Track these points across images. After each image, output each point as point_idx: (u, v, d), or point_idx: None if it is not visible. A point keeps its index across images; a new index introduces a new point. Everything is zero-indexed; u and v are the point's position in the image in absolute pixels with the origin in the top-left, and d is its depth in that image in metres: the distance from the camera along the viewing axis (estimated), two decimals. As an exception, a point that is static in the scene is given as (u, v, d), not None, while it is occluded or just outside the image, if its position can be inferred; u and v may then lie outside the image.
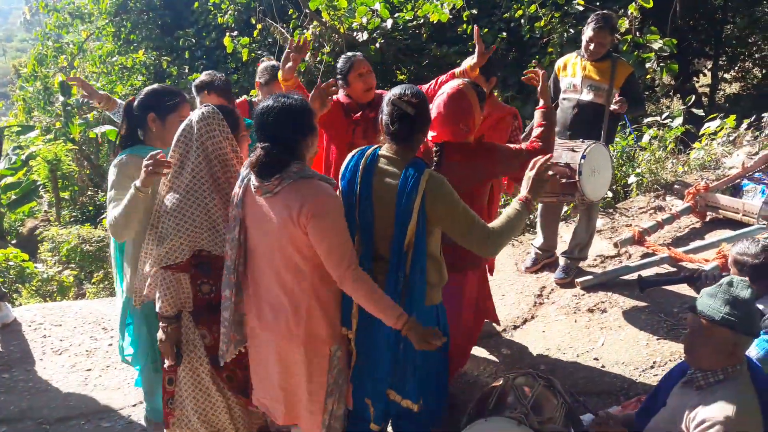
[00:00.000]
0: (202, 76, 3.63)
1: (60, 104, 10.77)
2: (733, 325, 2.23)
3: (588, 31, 4.13)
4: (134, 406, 3.61)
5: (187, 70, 9.92)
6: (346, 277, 2.25)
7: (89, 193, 11.17)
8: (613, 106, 4.06)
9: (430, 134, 2.88)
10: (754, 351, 2.70)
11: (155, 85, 2.97)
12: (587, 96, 4.19)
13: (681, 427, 2.34)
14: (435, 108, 2.84)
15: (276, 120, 2.26)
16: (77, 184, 10.81)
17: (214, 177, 2.51)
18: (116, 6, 10.50)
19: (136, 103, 2.85)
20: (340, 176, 2.54)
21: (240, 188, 2.40)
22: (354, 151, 2.58)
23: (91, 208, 10.69)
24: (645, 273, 4.39)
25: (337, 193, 2.44)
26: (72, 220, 10.00)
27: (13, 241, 9.71)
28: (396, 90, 2.50)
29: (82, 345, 4.25)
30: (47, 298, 6.10)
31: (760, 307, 2.76)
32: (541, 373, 2.98)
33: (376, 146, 2.53)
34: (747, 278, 2.84)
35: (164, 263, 2.48)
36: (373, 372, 2.58)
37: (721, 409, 2.23)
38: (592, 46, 4.11)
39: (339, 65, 3.57)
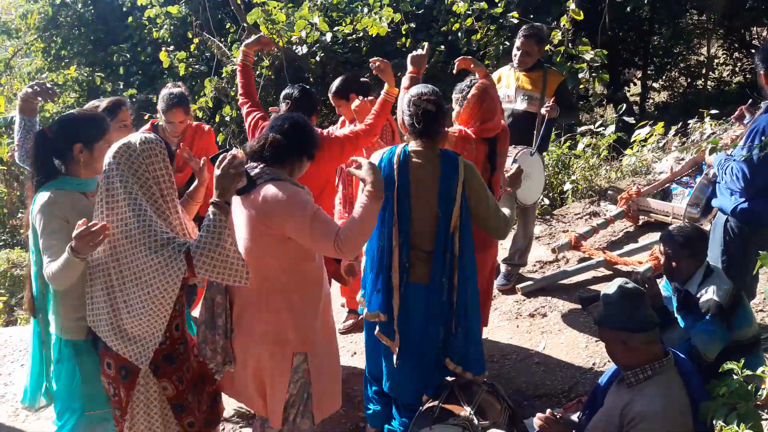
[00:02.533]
0: (174, 91, 3.76)
1: (-15, 123, 10.27)
2: (605, 322, 2.40)
3: (516, 42, 4.26)
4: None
5: (122, 86, 9.62)
6: (339, 243, 2.30)
7: (20, 215, 10.69)
8: (543, 110, 4.17)
9: (457, 128, 3.24)
10: (696, 339, 2.78)
11: (73, 113, 2.73)
12: (521, 105, 4.30)
13: (616, 424, 2.40)
14: (476, 107, 3.18)
15: (290, 128, 2.47)
16: (6, 206, 10.31)
17: (152, 201, 2.35)
18: (45, 21, 10.11)
19: (54, 133, 2.52)
20: None
21: None
22: (381, 152, 2.80)
23: (22, 231, 10.22)
24: (581, 277, 4.52)
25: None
26: (1, 244, 9.54)
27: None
28: (414, 91, 2.78)
29: (12, 374, 4.04)
30: (-26, 327, 5.77)
31: (706, 292, 2.84)
32: (484, 380, 3.01)
33: (403, 145, 2.76)
34: (671, 267, 2.95)
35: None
36: (421, 348, 2.80)
37: (649, 404, 2.32)
38: (518, 55, 4.23)
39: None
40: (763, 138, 2.87)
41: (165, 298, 2.29)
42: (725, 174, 3.11)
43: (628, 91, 12.94)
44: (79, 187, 2.54)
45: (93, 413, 2.61)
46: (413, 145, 2.76)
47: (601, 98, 10.60)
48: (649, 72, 12.28)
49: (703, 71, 11.83)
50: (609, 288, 2.43)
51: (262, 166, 2.44)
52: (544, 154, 4.52)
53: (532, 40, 4.22)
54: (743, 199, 3.15)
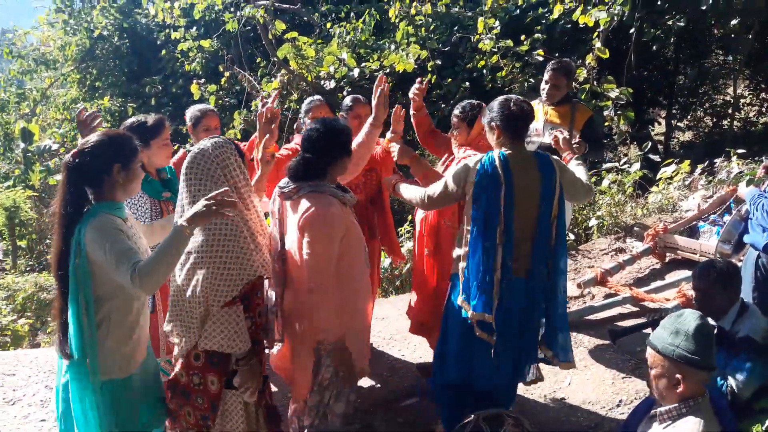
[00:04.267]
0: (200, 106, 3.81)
1: (20, 151, 10.57)
2: (674, 355, 2.24)
3: (545, 75, 4.30)
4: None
5: (154, 117, 9.91)
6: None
7: (48, 241, 10.89)
8: (573, 147, 4.18)
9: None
10: None
11: (108, 133, 2.54)
12: (549, 139, 4.30)
13: (647, 461, 2.34)
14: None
15: (317, 138, 2.64)
16: (35, 232, 10.52)
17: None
18: (83, 53, 10.47)
19: (90, 156, 2.38)
20: (477, 187, 2.87)
21: (276, 198, 2.80)
22: (477, 160, 2.91)
23: (49, 256, 10.38)
24: (607, 313, 4.45)
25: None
26: (28, 269, 9.70)
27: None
28: (504, 98, 3.00)
29: (36, 395, 4.07)
30: (0, 348, 5.85)
31: (742, 329, 2.79)
32: (510, 413, 2.97)
33: (497, 151, 2.91)
34: (706, 303, 2.90)
35: (223, 301, 2.40)
36: (519, 340, 2.97)
37: (683, 443, 2.25)
38: (547, 88, 4.26)
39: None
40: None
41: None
42: (756, 210, 3.09)
43: (653, 130, 12.94)
44: (117, 213, 2.43)
45: None
46: (506, 149, 2.93)
47: (625, 137, 10.61)
48: (674, 111, 12.29)
49: (729, 111, 11.79)
50: (684, 319, 2.29)
51: (295, 182, 2.66)
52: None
53: (560, 73, 4.25)
54: (775, 236, 3.11)
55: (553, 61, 4.31)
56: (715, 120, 12.41)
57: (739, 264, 3.53)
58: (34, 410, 3.92)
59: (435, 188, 3.04)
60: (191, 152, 2.51)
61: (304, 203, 2.58)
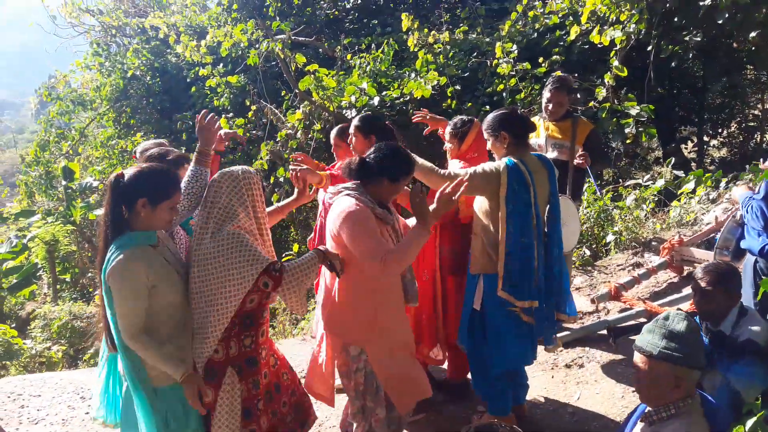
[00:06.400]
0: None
1: (62, 188, 11.07)
2: (670, 358, 2.24)
3: (546, 93, 4.36)
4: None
5: (184, 151, 10.24)
6: (383, 267, 2.57)
7: (90, 274, 11.29)
8: (576, 161, 4.21)
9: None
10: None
11: (149, 166, 2.64)
12: (551, 154, 4.35)
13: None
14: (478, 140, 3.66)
15: (383, 153, 2.79)
16: (77, 266, 10.93)
17: (249, 222, 2.68)
18: (117, 93, 10.97)
19: (126, 181, 2.51)
20: (509, 188, 3.14)
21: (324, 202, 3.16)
22: (503, 164, 3.16)
23: (91, 289, 10.76)
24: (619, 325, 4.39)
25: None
26: (71, 302, 10.07)
27: (13, 325, 9.75)
28: (510, 110, 3.36)
29: (59, 414, 4.23)
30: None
31: (744, 333, 2.76)
32: (503, 425, 2.97)
33: (515, 159, 3.17)
34: (706, 305, 2.87)
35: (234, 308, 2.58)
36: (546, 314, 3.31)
37: (669, 443, 2.23)
38: (550, 106, 4.32)
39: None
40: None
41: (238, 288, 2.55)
42: (747, 213, 3.06)
43: (686, 148, 12.71)
44: (147, 240, 2.55)
45: None
46: (520, 154, 3.22)
47: (650, 155, 10.47)
48: (705, 128, 12.07)
49: (760, 125, 11.54)
50: (672, 321, 2.31)
51: (348, 182, 2.83)
52: (575, 201, 4.52)
53: (562, 91, 4.31)
54: (771, 239, 3.06)
55: (552, 80, 4.38)
56: (746, 135, 12.13)
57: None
58: (56, 429, 4.08)
59: (475, 171, 3.20)
60: (218, 173, 2.69)
61: (339, 204, 2.74)
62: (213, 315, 2.55)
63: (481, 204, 3.32)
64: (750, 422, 2.14)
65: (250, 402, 2.67)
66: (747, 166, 7.28)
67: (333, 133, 4.12)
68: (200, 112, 2.97)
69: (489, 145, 3.40)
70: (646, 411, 2.40)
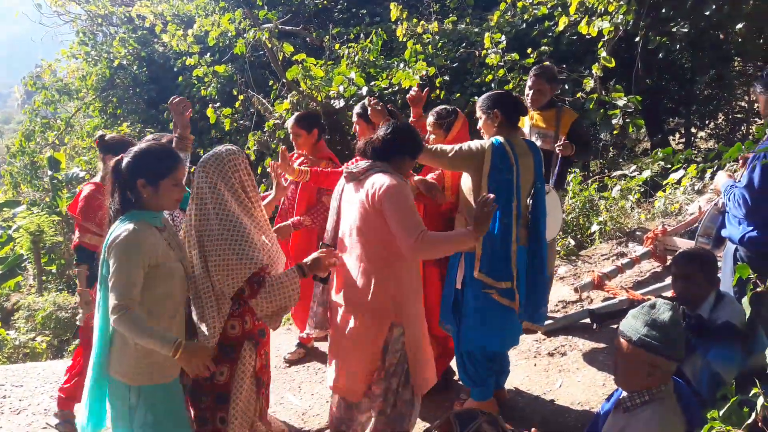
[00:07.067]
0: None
1: (48, 179, 10.97)
2: (649, 346, 2.25)
3: (528, 81, 4.36)
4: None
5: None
6: (418, 244, 2.61)
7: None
8: (556, 149, 4.21)
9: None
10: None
11: (145, 145, 2.59)
12: (535, 143, 4.34)
13: (610, 450, 2.34)
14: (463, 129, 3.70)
15: (403, 132, 2.88)
16: (63, 257, 10.84)
17: (239, 201, 2.69)
18: (103, 82, 10.87)
19: (124, 164, 2.49)
20: (492, 166, 3.17)
21: (340, 184, 3.06)
22: (489, 143, 3.21)
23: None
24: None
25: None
26: (56, 293, 10.00)
27: (-3, 316, 9.67)
28: (502, 92, 3.51)
29: (41, 404, 4.22)
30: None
31: (721, 316, 2.79)
32: (484, 411, 2.97)
33: (501, 138, 3.22)
34: (686, 290, 2.89)
35: (233, 289, 2.58)
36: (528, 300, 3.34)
37: (643, 428, 2.24)
38: (531, 93, 4.32)
39: None
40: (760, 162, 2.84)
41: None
42: (729, 201, 3.07)
43: (674, 140, 12.75)
44: (152, 221, 2.53)
45: None
46: (507, 135, 3.27)
47: (637, 146, 10.50)
48: (694, 120, 12.12)
49: (746, 117, 11.61)
50: (657, 310, 2.32)
51: (370, 162, 2.84)
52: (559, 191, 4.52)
53: (542, 78, 4.31)
54: (751, 228, 3.07)
55: (534, 68, 4.39)
56: (733, 127, 12.20)
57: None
58: (38, 418, 4.06)
59: (461, 147, 3.24)
60: (205, 156, 2.70)
61: (377, 179, 2.75)
62: (212, 300, 2.60)
63: (465, 181, 3.37)
64: (724, 407, 2.16)
65: (261, 372, 2.80)
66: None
67: (291, 121, 4.33)
68: (188, 101, 2.98)
69: (480, 124, 3.43)
70: (620, 397, 2.42)
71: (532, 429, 2.46)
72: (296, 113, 4.38)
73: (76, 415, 3.73)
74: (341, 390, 2.96)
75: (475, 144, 3.25)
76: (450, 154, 3.22)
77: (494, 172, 3.16)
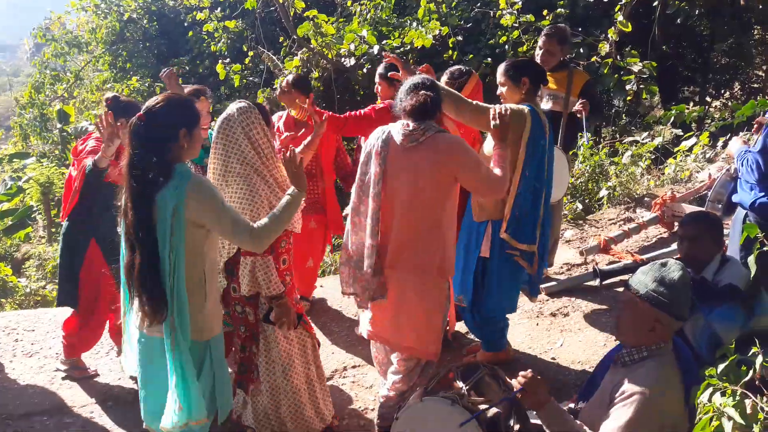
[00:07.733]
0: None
1: (57, 131, 10.99)
2: (655, 301, 2.27)
3: (539, 42, 4.31)
4: (96, 402, 3.66)
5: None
6: (497, 183, 2.79)
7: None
8: (576, 107, 4.18)
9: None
10: None
11: (171, 96, 2.45)
12: (546, 105, 4.32)
13: (608, 403, 2.37)
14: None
15: (436, 88, 2.88)
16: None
17: (252, 164, 2.71)
18: (113, 36, 10.79)
19: (161, 117, 2.33)
20: (532, 133, 3.15)
21: (381, 149, 2.82)
22: (526, 108, 3.17)
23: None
24: (608, 280, 4.44)
25: None
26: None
27: (8, 266, 9.81)
28: (528, 59, 3.53)
29: (53, 348, 4.30)
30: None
31: (724, 278, 2.83)
32: (486, 364, 3.02)
33: (530, 105, 3.23)
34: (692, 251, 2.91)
35: (263, 247, 2.52)
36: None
37: (639, 383, 2.27)
38: (540, 54, 4.27)
39: None
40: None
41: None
42: (742, 166, 3.06)
43: (688, 108, 12.59)
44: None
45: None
46: (534, 104, 3.30)
47: (650, 114, 10.39)
48: (708, 89, 11.96)
49: (763, 87, 11.44)
50: (669, 268, 2.31)
51: (419, 122, 2.76)
52: (567, 152, 4.51)
53: (553, 39, 4.26)
54: (763, 194, 3.07)
55: (546, 27, 4.33)
56: (746, 96, 12.03)
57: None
58: (49, 362, 4.15)
59: (508, 107, 3.15)
60: (219, 118, 2.72)
61: (442, 138, 2.76)
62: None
63: (487, 146, 3.34)
64: (722, 365, 2.19)
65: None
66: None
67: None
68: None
69: (502, 90, 3.33)
70: (619, 353, 2.45)
71: (520, 374, 2.43)
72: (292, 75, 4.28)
73: (83, 362, 3.91)
74: (416, 351, 2.96)
75: (516, 107, 3.15)
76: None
77: (531, 139, 3.16)
